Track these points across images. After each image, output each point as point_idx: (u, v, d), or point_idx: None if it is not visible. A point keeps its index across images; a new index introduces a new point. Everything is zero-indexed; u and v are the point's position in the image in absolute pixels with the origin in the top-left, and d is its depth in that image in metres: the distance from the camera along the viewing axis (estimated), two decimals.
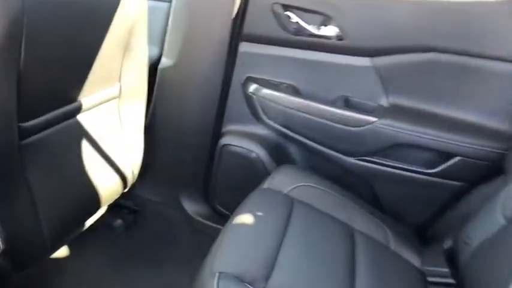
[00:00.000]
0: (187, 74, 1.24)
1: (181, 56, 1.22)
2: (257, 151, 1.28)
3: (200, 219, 1.41)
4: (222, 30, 1.17)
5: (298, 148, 1.28)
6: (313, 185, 1.08)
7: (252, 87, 1.24)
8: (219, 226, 1.36)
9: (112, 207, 1.40)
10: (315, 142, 1.21)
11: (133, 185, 1.31)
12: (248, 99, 1.25)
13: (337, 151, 1.19)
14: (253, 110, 1.26)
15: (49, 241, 0.90)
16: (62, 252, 1.28)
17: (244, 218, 0.91)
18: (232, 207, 1.36)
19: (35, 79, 0.77)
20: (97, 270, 1.28)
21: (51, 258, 1.11)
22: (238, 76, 1.24)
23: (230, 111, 1.30)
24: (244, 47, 1.21)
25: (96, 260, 1.31)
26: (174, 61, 1.23)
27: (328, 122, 1.14)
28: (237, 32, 1.18)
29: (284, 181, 1.07)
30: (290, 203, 0.98)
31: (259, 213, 0.93)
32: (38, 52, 0.75)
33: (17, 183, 0.81)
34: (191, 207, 1.42)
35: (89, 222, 1.17)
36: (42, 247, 0.89)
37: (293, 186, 1.05)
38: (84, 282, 1.24)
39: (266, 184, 1.07)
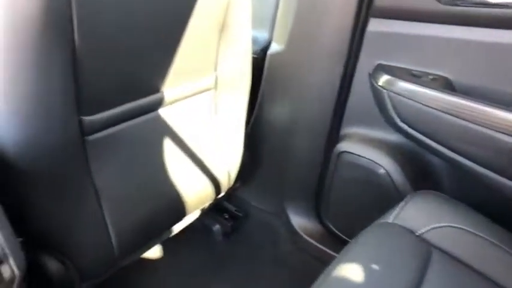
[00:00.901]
0: (301, 62, 1.00)
1: (293, 39, 0.99)
2: (385, 164, 0.97)
3: (307, 237, 1.17)
4: (345, 3, 0.89)
5: (444, 166, 0.92)
6: (464, 227, 0.72)
7: (383, 79, 0.92)
8: (328, 250, 1.10)
9: (213, 210, 1.28)
10: (470, 159, 0.82)
11: (235, 188, 1.15)
12: (377, 94, 0.94)
13: (503, 175, 0.78)
14: (383, 109, 0.94)
15: (117, 250, 0.79)
16: (155, 249, 1.21)
17: (361, 257, 0.66)
18: (347, 231, 1.08)
19: (97, 66, 0.65)
20: (184, 273, 1.17)
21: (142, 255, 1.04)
22: (365, 64, 0.94)
23: (352, 110, 1.01)
24: (374, 24, 0.90)
25: (187, 262, 1.20)
26: (285, 46, 1.01)
27: (494, 133, 0.75)
28: (366, 4, 0.88)
29: (420, 215, 0.75)
30: (426, 252, 0.67)
31: (381, 257, 0.65)
32: (97, 33, 0.62)
33: (82, 185, 0.71)
34: (298, 221, 1.20)
35: (180, 225, 1.05)
36: (109, 256, 0.79)
37: (432, 226, 0.72)
38: (171, 282, 1.14)
39: (393, 216, 0.76)
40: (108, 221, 0.77)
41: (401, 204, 0.78)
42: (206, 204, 1.08)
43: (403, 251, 0.68)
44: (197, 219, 1.17)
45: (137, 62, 0.72)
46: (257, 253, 1.23)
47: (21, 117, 0.59)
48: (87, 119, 0.68)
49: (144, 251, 1.02)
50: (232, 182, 1.05)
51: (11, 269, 0.52)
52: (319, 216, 1.17)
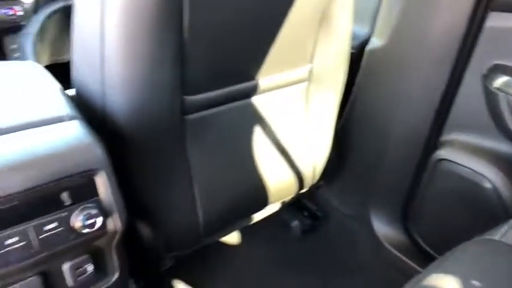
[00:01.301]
0: (403, 59, 0.94)
1: (397, 35, 0.93)
2: (492, 177, 0.86)
3: (390, 247, 1.09)
4: None
5: None
6: None
7: (501, 81, 0.82)
8: (412, 263, 1.02)
9: (293, 206, 1.26)
10: None
11: (318, 186, 1.12)
12: (490, 97, 0.84)
13: None
14: (497, 114, 0.84)
15: (203, 228, 0.82)
16: (230, 237, 1.23)
17: (458, 272, 0.59)
18: (438, 246, 0.99)
19: (202, 49, 0.67)
20: (259, 263, 1.17)
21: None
22: (478, 64, 0.85)
23: (457, 114, 0.92)
24: (494, 19, 0.81)
25: (263, 253, 1.20)
26: (386, 42, 0.95)
27: None
28: None
29: None
30: None
31: (484, 274, 0.58)
32: (204, 17, 0.64)
33: (178, 161, 0.75)
34: (382, 229, 1.12)
35: (259, 215, 1.06)
36: (195, 233, 0.82)
37: None
38: (245, 269, 1.15)
39: (500, 233, 0.67)
40: (197, 199, 0.80)
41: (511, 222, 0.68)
42: (287, 198, 1.07)
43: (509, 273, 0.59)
44: (276, 213, 1.17)
45: (238, 48, 0.74)
46: (334, 256, 1.19)
47: (136, 87, 0.63)
48: (189, 98, 0.71)
49: (225, 234, 1.05)
50: (316, 179, 1.03)
51: (114, 223, 0.56)
52: (405, 227, 1.09)
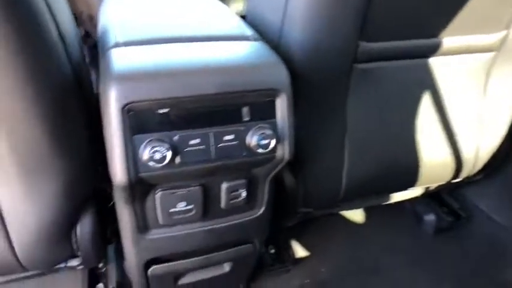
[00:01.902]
0: None
1: None
2: None
3: None
4: None
5: None
6: None
7: None
8: None
9: (430, 197, 1.14)
10: None
11: (470, 181, 0.98)
12: None
13: None
14: None
15: (344, 191, 0.78)
16: (359, 212, 1.16)
17: None
18: None
19: None
20: (373, 249, 1.08)
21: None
22: None
23: None
24: None
25: (379, 240, 1.10)
26: None
27: None
28: None
29: None
30: None
31: None
32: None
33: (335, 113, 0.71)
34: None
35: (396, 197, 0.97)
36: (335, 193, 0.78)
37: None
38: (356, 251, 1.08)
39: None
40: (346, 157, 0.75)
41: None
42: (433, 186, 0.96)
43: None
44: (409, 201, 1.06)
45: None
46: (470, 267, 1.03)
47: (316, 24, 0.60)
48: (364, 45, 0.66)
49: (357, 206, 0.99)
50: (475, 170, 0.89)
51: (283, 150, 0.55)
52: None
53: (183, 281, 0.75)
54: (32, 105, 0.47)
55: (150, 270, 0.68)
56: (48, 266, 0.69)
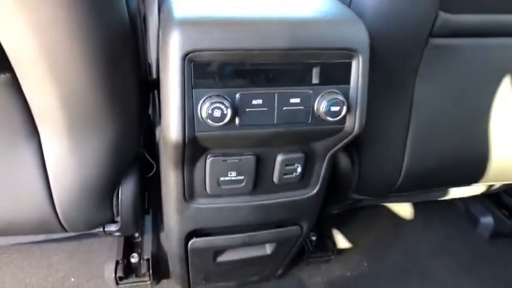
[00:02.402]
0: None
1: None
2: None
3: None
4: None
5: None
6: None
7: None
8: None
9: (487, 197, 1.04)
10: None
11: None
12: None
13: None
14: None
15: (402, 178, 0.71)
16: (405, 206, 1.08)
17: None
18: None
19: None
20: (421, 247, 1.00)
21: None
22: None
23: None
24: None
25: (430, 237, 1.02)
26: None
27: None
28: None
29: None
30: None
31: None
32: None
33: (402, 90, 0.64)
34: None
35: (454, 193, 0.89)
36: (391, 180, 0.71)
37: None
38: (405, 244, 1.00)
39: None
40: (408, 144, 0.68)
41: None
42: (498, 184, 0.87)
43: None
44: (461, 200, 0.97)
45: None
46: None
47: None
48: (443, 16, 0.58)
49: (406, 200, 0.92)
50: None
51: (354, 122, 0.48)
52: None
53: (222, 258, 0.71)
54: (85, 56, 0.43)
55: (190, 242, 0.64)
56: (87, 228, 0.67)
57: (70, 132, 0.50)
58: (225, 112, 0.43)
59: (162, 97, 0.45)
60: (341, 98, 0.46)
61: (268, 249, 0.73)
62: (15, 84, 0.45)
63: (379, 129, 0.68)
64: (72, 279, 0.85)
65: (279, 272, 0.86)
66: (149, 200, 0.82)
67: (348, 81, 0.47)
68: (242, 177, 0.54)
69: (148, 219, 0.91)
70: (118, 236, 0.85)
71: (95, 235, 0.90)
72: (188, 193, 0.56)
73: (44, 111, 0.49)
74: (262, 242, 0.70)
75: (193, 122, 0.44)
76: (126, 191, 0.63)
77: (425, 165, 0.73)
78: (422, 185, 0.80)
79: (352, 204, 0.86)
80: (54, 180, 0.55)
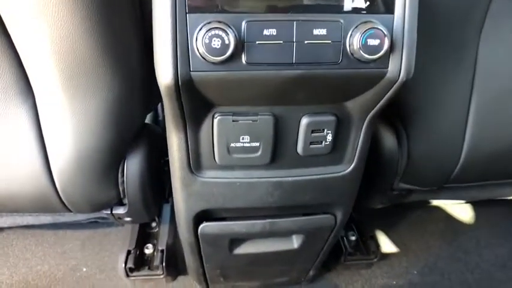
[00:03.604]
0: None
1: None
2: None
3: None
4: None
5: None
6: None
7: None
8: None
9: None
10: None
11: None
12: None
13: None
14: None
15: (461, 165, 0.58)
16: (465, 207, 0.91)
17: None
18: None
19: None
20: (481, 258, 0.83)
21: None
22: None
23: None
24: None
25: (484, 246, 0.86)
26: None
27: None
28: None
29: None
30: None
31: None
32: None
33: (466, 53, 0.51)
34: None
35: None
36: (445, 172, 0.59)
37: None
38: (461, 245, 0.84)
39: None
40: (470, 121, 0.55)
41: None
42: None
43: None
44: None
45: None
46: None
47: None
48: None
49: (463, 197, 0.77)
50: None
51: (399, 65, 0.36)
52: None
53: (240, 250, 0.61)
54: (79, 4, 0.37)
55: (201, 227, 0.55)
56: (92, 208, 0.60)
57: (65, 89, 0.44)
58: (227, 42, 0.33)
59: (153, 29, 0.36)
60: (382, 28, 0.34)
61: (295, 242, 0.61)
62: (5, 37, 0.40)
63: (433, 101, 0.55)
64: (84, 269, 0.79)
65: (310, 274, 0.74)
66: (170, 186, 0.74)
67: (391, 10, 0.36)
68: (257, 144, 0.44)
69: (167, 209, 0.84)
70: (131, 223, 0.78)
71: (110, 224, 0.83)
72: (194, 163, 0.47)
73: (36, 66, 0.42)
74: (287, 232, 0.59)
75: (188, 57, 0.34)
76: (132, 167, 0.56)
77: (492, 148, 0.59)
78: (487, 174, 0.65)
79: (399, 198, 0.73)
80: (51, 146, 0.49)
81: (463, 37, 0.51)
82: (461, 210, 0.91)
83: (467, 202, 0.90)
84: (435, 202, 0.91)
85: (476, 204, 0.91)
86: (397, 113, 0.58)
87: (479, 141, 0.58)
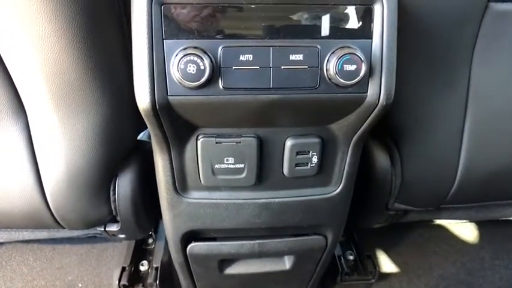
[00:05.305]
0: None
1: None
2: None
3: None
4: None
5: None
6: None
7: None
8: None
9: None
10: None
11: None
12: None
13: None
14: None
15: (458, 183, 0.57)
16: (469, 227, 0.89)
17: None
18: None
19: None
20: (486, 281, 0.81)
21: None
22: None
23: None
24: None
25: (490, 269, 0.83)
26: None
27: None
28: None
29: None
30: None
31: None
32: None
33: (459, 71, 0.50)
34: None
35: None
36: (445, 187, 0.57)
37: None
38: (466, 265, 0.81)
39: None
40: (465, 139, 0.53)
41: None
42: None
43: None
44: None
45: None
46: None
47: None
48: None
49: (464, 217, 0.75)
50: None
51: (378, 89, 0.36)
52: None
53: (231, 270, 0.60)
54: (64, 19, 0.38)
55: (189, 247, 0.54)
56: (85, 225, 0.60)
57: (56, 110, 0.44)
58: (202, 67, 0.33)
59: (133, 54, 0.37)
60: (359, 54, 0.34)
61: (287, 263, 0.61)
62: None
63: (426, 122, 0.54)
64: (80, 285, 0.79)
65: None
66: None
67: (369, 35, 0.35)
68: (242, 166, 0.44)
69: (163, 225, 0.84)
70: (125, 239, 0.78)
71: (108, 239, 0.83)
72: (180, 184, 0.47)
73: (28, 87, 0.44)
74: (277, 253, 0.58)
75: (166, 81, 0.35)
76: (124, 184, 0.56)
77: (487, 169, 0.58)
78: (484, 195, 0.64)
79: (395, 218, 0.71)
80: (43, 165, 0.49)
81: (455, 58, 0.50)
82: (464, 230, 0.89)
83: (470, 221, 0.88)
84: (438, 221, 0.89)
85: (480, 224, 0.88)
86: (390, 133, 0.57)
87: (474, 162, 0.56)
